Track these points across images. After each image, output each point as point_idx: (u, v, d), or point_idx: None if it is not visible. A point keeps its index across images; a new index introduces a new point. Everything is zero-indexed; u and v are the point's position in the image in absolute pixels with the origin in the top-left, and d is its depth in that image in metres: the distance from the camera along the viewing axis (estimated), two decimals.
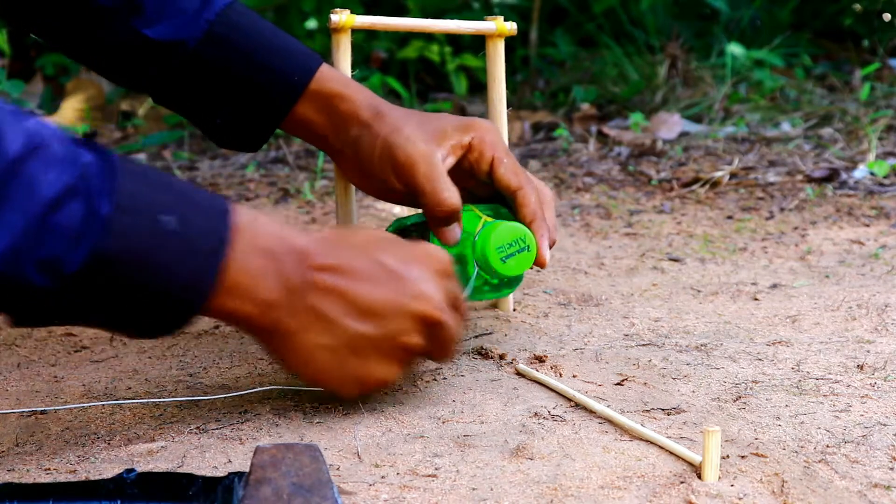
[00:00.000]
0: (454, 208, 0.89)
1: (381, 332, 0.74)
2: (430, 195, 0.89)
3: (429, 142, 0.92)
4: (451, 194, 0.89)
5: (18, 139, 0.61)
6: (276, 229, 0.72)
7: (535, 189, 0.95)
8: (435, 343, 0.77)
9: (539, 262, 0.93)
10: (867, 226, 1.60)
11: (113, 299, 0.66)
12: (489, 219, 0.93)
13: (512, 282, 0.96)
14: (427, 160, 0.90)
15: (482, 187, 0.97)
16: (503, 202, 0.97)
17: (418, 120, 0.93)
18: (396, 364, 0.76)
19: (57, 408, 0.84)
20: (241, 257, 0.69)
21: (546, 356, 0.95)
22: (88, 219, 0.62)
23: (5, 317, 0.66)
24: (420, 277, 0.75)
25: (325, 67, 0.96)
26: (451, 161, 0.93)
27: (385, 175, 0.91)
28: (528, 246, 0.90)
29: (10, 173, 0.60)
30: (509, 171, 0.94)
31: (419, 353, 0.77)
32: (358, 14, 1.03)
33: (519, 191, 0.93)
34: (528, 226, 0.93)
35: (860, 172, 1.93)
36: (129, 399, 0.87)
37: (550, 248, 0.94)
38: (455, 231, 0.91)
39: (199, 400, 0.85)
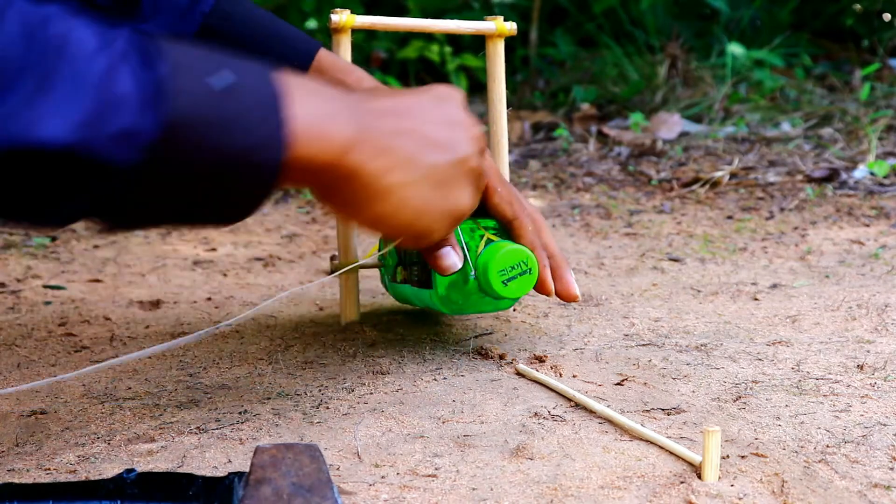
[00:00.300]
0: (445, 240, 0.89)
1: (457, 157, 0.74)
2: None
3: None
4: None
5: (59, 19, 0.58)
6: (325, 85, 0.70)
7: (530, 218, 0.94)
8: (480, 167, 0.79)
9: (544, 290, 0.93)
10: (867, 226, 1.60)
11: (194, 170, 0.62)
12: (493, 237, 0.93)
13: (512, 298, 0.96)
14: None
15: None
16: None
17: None
18: (470, 188, 0.76)
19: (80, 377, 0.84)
20: (305, 105, 0.66)
21: (546, 356, 0.95)
22: (147, 83, 0.59)
23: (95, 222, 0.63)
24: (457, 107, 0.77)
25: (323, 51, 0.96)
26: None
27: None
28: (531, 269, 0.90)
29: (58, 49, 0.57)
30: (504, 200, 0.93)
31: (479, 177, 0.78)
32: (358, 14, 1.03)
33: (514, 221, 0.93)
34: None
35: (860, 172, 1.93)
36: (129, 399, 0.87)
37: (567, 270, 0.94)
38: (449, 258, 0.89)
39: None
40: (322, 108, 0.67)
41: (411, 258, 0.99)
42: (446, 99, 0.77)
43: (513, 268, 0.89)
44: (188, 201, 0.64)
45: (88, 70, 0.57)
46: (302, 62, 0.94)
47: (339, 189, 0.70)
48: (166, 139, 0.59)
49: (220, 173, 0.63)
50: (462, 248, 0.90)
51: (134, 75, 0.58)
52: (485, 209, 0.95)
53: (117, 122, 0.57)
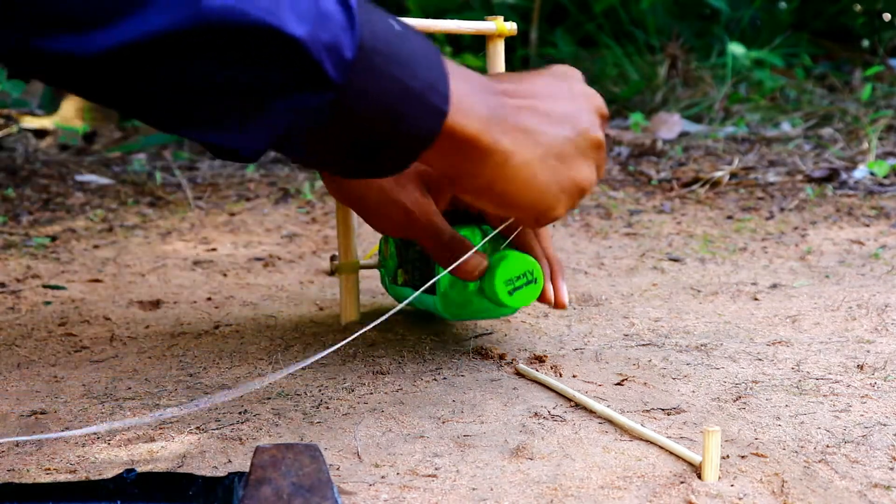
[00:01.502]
0: (464, 247, 0.89)
1: (577, 131, 0.75)
2: (434, 243, 0.90)
3: (425, 194, 0.91)
4: (456, 237, 0.89)
5: None
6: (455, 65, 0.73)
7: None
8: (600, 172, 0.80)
9: (546, 300, 0.92)
10: (867, 226, 1.60)
11: (380, 101, 0.63)
12: (499, 244, 0.92)
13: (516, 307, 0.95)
14: (424, 213, 0.90)
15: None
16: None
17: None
18: (593, 163, 0.77)
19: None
20: (454, 76, 0.68)
21: (546, 356, 0.95)
22: (343, 8, 0.61)
23: (284, 150, 0.65)
24: (579, 83, 0.78)
25: None
26: (443, 204, 0.93)
27: (380, 216, 0.91)
28: (536, 279, 0.90)
29: None
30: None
31: (601, 148, 0.78)
32: None
33: (513, 221, 0.92)
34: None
35: (860, 172, 1.93)
36: (129, 399, 0.87)
37: (563, 278, 0.94)
38: (471, 260, 0.89)
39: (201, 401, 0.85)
40: (465, 86, 0.69)
41: (413, 260, 0.99)
42: (564, 76, 0.78)
43: (519, 277, 0.89)
44: (368, 138, 0.66)
45: None
46: None
47: (471, 166, 0.71)
48: (361, 62, 0.61)
49: (399, 108, 0.64)
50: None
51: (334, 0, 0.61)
52: (484, 214, 0.95)
53: (329, 34, 0.59)
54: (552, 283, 0.93)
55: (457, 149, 0.69)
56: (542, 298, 0.92)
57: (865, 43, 3.49)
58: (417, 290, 0.98)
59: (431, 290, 0.95)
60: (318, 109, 0.61)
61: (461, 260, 0.88)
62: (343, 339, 0.75)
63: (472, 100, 0.69)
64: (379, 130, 0.65)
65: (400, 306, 0.82)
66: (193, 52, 0.57)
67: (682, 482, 0.69)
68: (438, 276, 0.90)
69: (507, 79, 0.75)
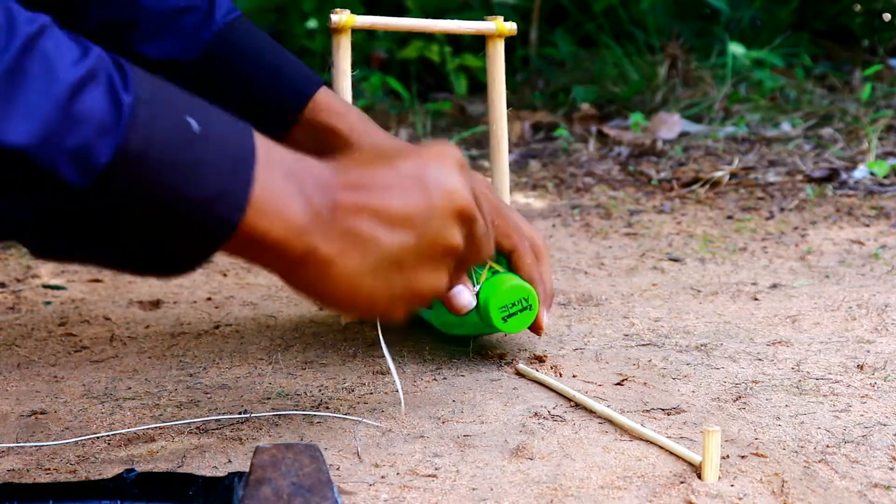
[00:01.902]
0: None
1: (421, 238, 0.68)
2: None
3: None
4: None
5: (28, 19, 0.56)
6: (291, 154, 0.66)
7: (528, 248, 0.92)
8: (471, 242, 0.73)
9: (536, 328, 0.92)
10: (867, 226, 1.60)
11: (143, 206, 0.59)
12: (496, 266, 0.92)
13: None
14: None
15: None
16: None
17: None
18: (442, 269, 0.71)
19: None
20: (266, 176, 0.62)
21: (546, 356, 0.95)
22: (112, 107, 0.56)
23: (26, 244, 0.60)
24: (444, 174, 0.70)
25: (321, 94, 0.94)
26: None
27: None
28: (531, 305, 0.89)
29: (28, 51, 0.55)
30: (500, 234, 0.91)
31: (459, 254, 0.72)
32: (358, 14, 1.03)
33: (513, 253, 0.91)
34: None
35: (860, 172, 1.93)
36: (129, 399, 0.87)
37: (548, 309, 0.93)
38: (462, 296, 0.87)
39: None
40: (281, 187, 0.63)
41: None
42: (430, 162, 0.71)
43: (514, 304, 0.89)
44: (129, 242, 0.61)
45: (60, 78, 0.55)
46: (298, 100, 0.92)
47: (285, 268, 0.66)
48: (122, 168, 0.57)
49: (170, 219, 0.60)
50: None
51: (103, 96, 0.56)
52: None
53: (76, 139, 0.55)
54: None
55: (263, 252, 0.64)
56: (533, 327, 0.92)
57: (865, 43, 3.50)
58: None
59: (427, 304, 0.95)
60: (65, 211, 0.57)
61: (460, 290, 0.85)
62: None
63: (286, 202, 0.63)
64: (150, 237, 0.60)
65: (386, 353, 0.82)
66: None
67: (682, 482, 0.69)
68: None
69: (356, 168, 0.69)
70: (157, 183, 0.58)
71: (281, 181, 0.63)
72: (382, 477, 0.69)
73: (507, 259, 0.92)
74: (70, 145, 0.55)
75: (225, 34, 0.93)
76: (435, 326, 0.96)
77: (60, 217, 0.58)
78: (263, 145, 0.64)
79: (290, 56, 0.97)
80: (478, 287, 0.90)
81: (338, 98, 0.97)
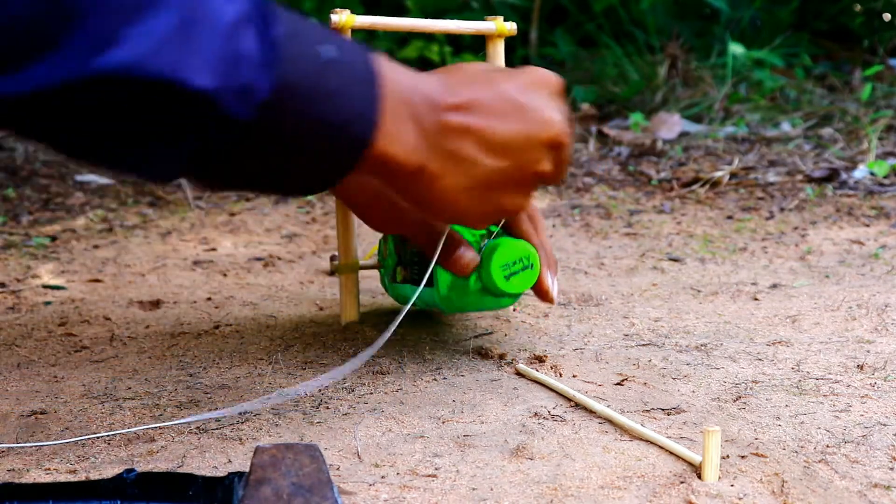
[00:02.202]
0: (454, 242, 0.89)
1: (516, 165, 0.74)
2: (428, 247, 0.90)
3: None
4: (449, 240, 0.89)
5: None
6: (404, 73, 0.71)
7: (528, 215, 0.94)
8: (556, 165, 0.77)
9: (542, 289, 0.92)
10: (867, 226, 1.60)
11: (295, 134, 0.63)
12: (493, 232, 0.92)
13: (513, 294, 0.95)
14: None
15: None
16: None
17: None
18: (528, 191, 0.77)
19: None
20: (387, 99, 0.68)
21: (546, 356, 0.95)
22: (265, 46, 0.60)
23: (193, 178, 0.64)
24: (543, 104, 0.75)
25: None
26: None
27: (374, 212, 0.91)
28: (532, 264, 0.89)
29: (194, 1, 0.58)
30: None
31: (545, 178, 0.77)
32: (358, 14, 1.03)
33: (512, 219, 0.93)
34: None
35: (860, 172, 1.93)
36: (129, 399, 0.87)
37: (555, 274, 0.94)
38: (465, 255, 0.89)
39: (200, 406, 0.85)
40: (399, 110, 0.69)
41: (411, 257, 0.99)
42: (532, 88, 0.76)
43: (515, 262, 0.89)
44: (281, 166, 0.65)
45: (221, 20, 0.58)
46: None
47: (400, 183, 0.72)
48: (277, 100, 0.60)
49: (315, 141, 0.64)
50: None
51: (256, 34, 0.60)
52: None
53: (241, 77, 0.59)
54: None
55: (385, 169, 0.70)
56: (537, 289, 0.92)
57: (865, 43, 3.50)
58: (415, 283, 0.98)
59: (430, 284, 0.95)
60: (226, 146, 0.61)
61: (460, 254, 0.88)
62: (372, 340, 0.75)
63: (404, 123, 0.69)
64: (294, 160, 0.65)
65: (406, 308, 0.82)
66: (98, 100, 0.56)
67: (682, 482, 0.69)
68: (431, 268, 0.90)
69: (461, 87, 0.74)
70: (304, 110, 0.63)
71: (400, 105, 0.69)
72: (382, 477, 0.69)
73: (504, 226, 0.93)
74: (237, 84, 0.59)
75: None
76: (440, 308, 0.96)
77: (227, 151, 0.62)
78: (382, 67, 0.69)
79: None
80: (480, 248, 0.90)
81: None
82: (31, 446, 0.76)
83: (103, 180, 2.11)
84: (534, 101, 0.75)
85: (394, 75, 0.69)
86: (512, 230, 0.92)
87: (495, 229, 0.93)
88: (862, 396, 0.85)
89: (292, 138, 0.64)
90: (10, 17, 0.53)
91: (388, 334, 0.80)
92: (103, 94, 0.55)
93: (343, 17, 1.02)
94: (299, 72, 0.62)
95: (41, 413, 0.83)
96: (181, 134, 0.59)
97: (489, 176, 0.73)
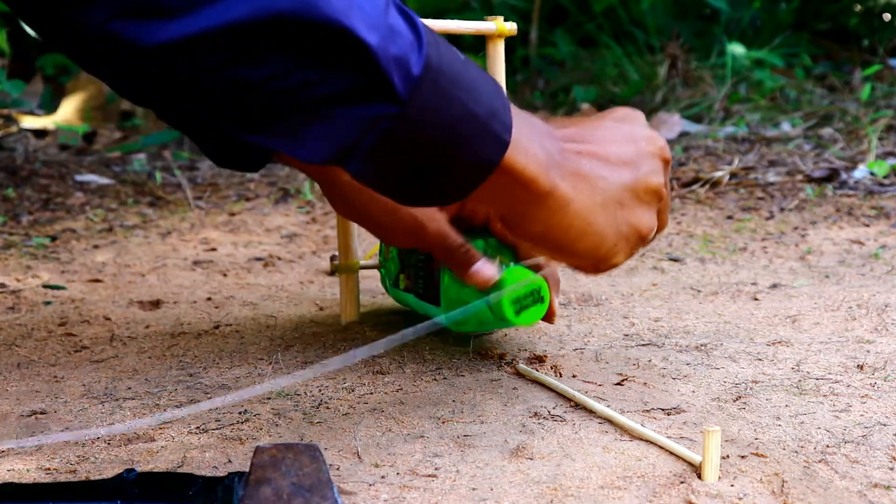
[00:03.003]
0: (475, 254, 0.89)
1: (637, 176, 0.73)
2: (444, 251, 0.89)
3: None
4: (465, 245, 0.89)
5: None
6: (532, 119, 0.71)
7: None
8: (665, 182, 0.78)
9: (548, 319, 0.92)
10: (867, 226, 1.60)
11: (440, 120, 0.62)
12: (504, 259, 0.92)
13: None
14: (433, 221, 0.89)
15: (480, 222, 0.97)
16: None
17: None
18: (653, 208, 0.75)
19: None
20: (514, 113, 0.67)
21: (546, 356, 0.95)
22: (411, 26, 0.61)
23: (340, 163, 0.63)
24: (641, 128, 0.76)
25: None
26: (449, 215, 0.93)
27: (388, 227, 0.90)
28: (543, 297, 0.89)
29: None
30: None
31: (662, 196, 0.76)
32: None
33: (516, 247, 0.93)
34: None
35: (860, 172, 1.93)
36: (129, 399, 0.87)
37: (556, 293, 0.94)
38: (485, 269, 0.88)
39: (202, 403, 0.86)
40: (525, 123, 0.68)
41: (416, 269, 0.98)
42: (625, 119, 0.76)
43: (526, 296, 0.89)
44: (428, 160, 0.64)
45: None
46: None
47: (527, 209, 0.70)
48: (427, 80, 0.61)
49: (459, 135, 0.63)
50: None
51: (402, 17, 0.61)
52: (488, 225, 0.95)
53: (397, 47, 0.59)
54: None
55: (513, 188, 0.68)
56: (545, 314, 0.92)
57: (865, 43, 3.50)
58: (419, 297, 0.98)
59: (435, 301, 0.95)
60: (381, 123, 0.61)
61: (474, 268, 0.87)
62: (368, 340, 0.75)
63: (530, 140, 0.68)
64: (440, 152, 0.64)
65: (426, 325, 0.82)
66: (263, 46, 0.57)
67: (682, 482, 0.69)
68: (442, 283, 0.90)
69: (564, 123, 0.74)
70: (451, 97, 0.63)
71: (522, 122, 0.68)
72: (382, 477, 0.69)
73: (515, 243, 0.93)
74: (395, 53, 0.60)
75: None
76: (443, 324, 0.96)
77: (374, 133, 0.61)
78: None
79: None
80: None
81: None
82: (31, 446, 0.76)
83: (103, 180, 2.11)
84: (634, 127, 0.76)
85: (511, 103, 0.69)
86: (520, 251, 0.92)
87: (507, 259, 0.92)
88: (862, 396, 0.85)
89: (441, 124, 0.63)
90: None
91: (397, 339, 0.79)
92: (276, 37, 0.57)
93: None
94: (444, 60, 0.62)
95: (41, 413, 0.83)
96: (344, 98, 0.59)
97: (617, 191, 0.72)
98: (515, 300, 0.88)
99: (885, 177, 1.91)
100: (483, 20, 1.08)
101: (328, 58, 0.58)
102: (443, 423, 0.79)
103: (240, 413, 0.82)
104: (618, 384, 0.89)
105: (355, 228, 1.07)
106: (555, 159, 0.69)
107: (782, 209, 1.73)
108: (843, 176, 1.92)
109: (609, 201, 0.72)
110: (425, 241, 0.90)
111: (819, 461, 0.73)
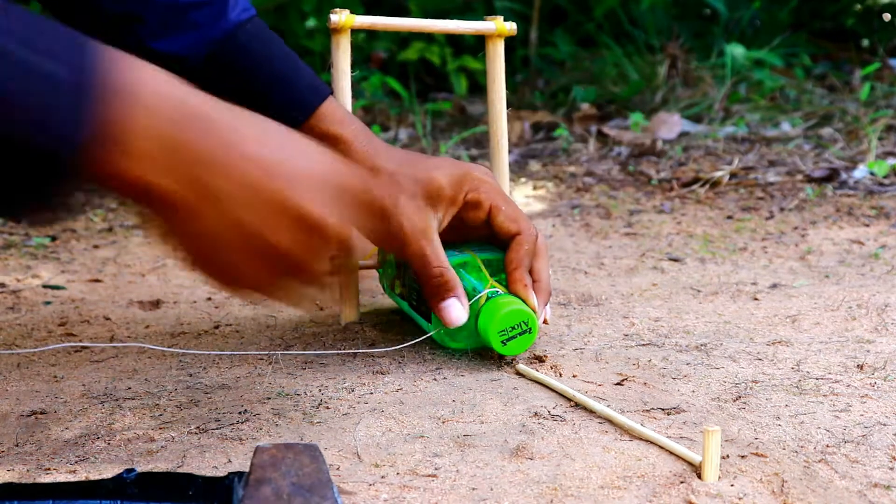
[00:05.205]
0: (449, 289, 0.89)
1: (252, 219, 0.64)
2: (421, 274, 0.89)
3: (422, 208, 0.91)
4: (444, 275, 0.89)
5: None
6: (165, 82, 0.61)
7: (532, 236, 0.94)
8: (302, 248, 0.66)
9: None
10: (867, 226, 1.60)
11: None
12: (496, 284, 0.92)
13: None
14: (418, 236, 0.89)
15: (478, 230, 0.97)
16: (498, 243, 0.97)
17: (413, 176, 0.92)
18: (265, 266, 0.66)
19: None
20: (121, 104, 0.58)
21: (546, 356, 0.95)
22: None
23: None
24: (324, 169, 0.66)
25: (327, 105, 0.94)
26: (446, 221, 0.93)
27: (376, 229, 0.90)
28: (531, 328, 0.89)
29: None
30: (508, 218, 0.94)
31: (285, 260, 0.66)
32: (358, 14, 1.03)
33: (517, 235, 0.94)
34: (511, 273, 0.93)
35: (860, 172, 1.93)
36: (129, 399, 0.87)
37: (544, 305, 0.94)
38: (453, 310, 0.88)
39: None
40: (138, 117, 0.59)
41: (410, 278, 0.98)
42: (333, 162, 0.67)
43: (513, 328, 0.89)
44: None
45: None
46: (300, 114, 0.92)
47: (155, 211, 0.64)
48: None
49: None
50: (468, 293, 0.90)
51: None
52: (490, 228, 0.95)
53: None
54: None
55: (129, 192, 0.61)
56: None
57: (865, 43, 3.50)
58: (412, 307, 0.99)
59: (426, 317, 0.95)
60: None
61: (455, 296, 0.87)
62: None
63: (141, 140, 0.59)
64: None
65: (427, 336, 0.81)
66: None
67: (682, 482, 0.69)
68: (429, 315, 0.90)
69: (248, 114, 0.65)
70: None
71: (140, 110, 0.59)
72: (382, 477, 0.69)
73: (508, 240, 0.93)
74: None
75: (236, 34, 0.92)
76: (433, 338, 0.96)
77: None
78: (128, 67, 0.59)
79: (300, 64, 0.97)
80: (476, 299, 0.90)
81: (342, 108, 0.97)
82: (30, 446, 0.76)
83: None
84: (318, 162, 0.66)
85: (140, 78, 0.60)
86: (511, 248, 0.93)
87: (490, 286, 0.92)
88: (862, 396, 0.85)
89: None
90: None
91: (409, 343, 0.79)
92: None
93: (342, 17, 1.02)
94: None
95: (41, 413, 0.83)
96: None
97: (229, 226, 0.64)
98: (502, 331, 0.88)
99: (885, 177, 1.91)
100: (483, 20, 1.08)
101: None
102: (443, 423, 0.79)
103: (240, 413, 0.82)
104: (618, 384, 0.89)
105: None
106: (178, 157, 0.60)
107: (782, 209, 1.73)
108: (843, 176, 1.92)
109: (220, 234, 0.64)
110: (405, 252, 0.90)
111: (819, 461, 0.73)
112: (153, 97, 0.60)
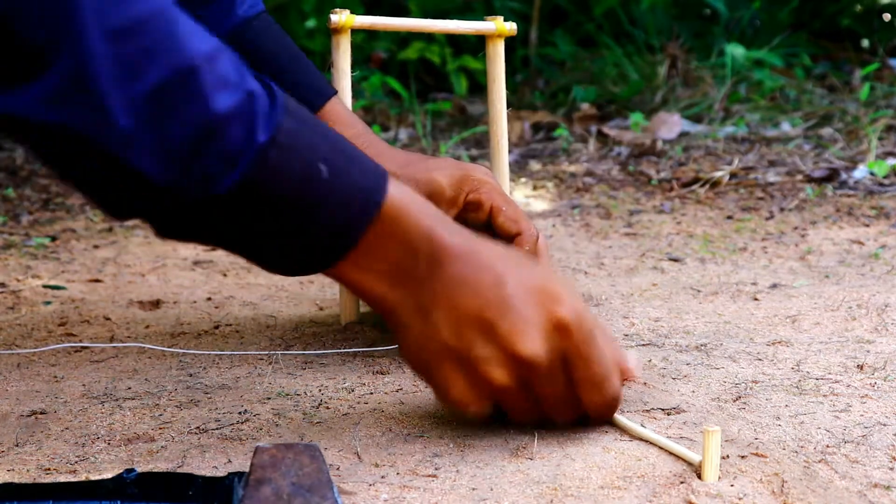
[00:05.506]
0: None
1: (468, 350, 0.69)
2: None
3: None
4: None
5: (202, 45, 0.60)
6: (425, 215, 0.69)
7: (533, 236, 0.95)
8: (526, 395, 0.72)
9: None
10: (867, 226, 1.60)
11: (254, 229, 0.65)
12: None
13: None
14: None
15: (479, 230, 0.97)
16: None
17: (414, 177, 0.93)
18: (477, 391, 0.71)
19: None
20: (380, 232, 0.67)
21: None
22: (245, 146, 0.61)
23: (150, 225, 0.66)
24: (527, 317, 0.69)
25: (331, 105, 0.95)
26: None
27: None
28: None
29: (184, 82, 0.59)
30: (509, 219, 0.95)
31: (505, 395, 0.71)
32: (358, 14, 1.03)
33: (518, 236, 0.95)
34: None
35: (860, 172, 1.93)
36: (129, 399, 0.87)
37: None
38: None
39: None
40: (389, 247, 0.68)
41: None
42: (540, 304, 0.70)
43: None
44: (242, 246, 0.68)
45: (207, 110, 0.60)
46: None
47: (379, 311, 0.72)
48: (239, 197, 0.62)
49: (276, 239, 0.66)
50: None
51: (242, 134, 0.61)
52: (490, 228, 0.95)
53: (204, 168, 0.60)
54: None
55: (359, 293, 0.72)
56: None
57: (865, 43, 3.50)
58: None
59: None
60: (182, 217, 0.63)
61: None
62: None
63: (385, 267, 0.70)
64: (263, 247, 0.68)
65: None
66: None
67: (682, 482, 0.69)
68: None
69: (457, 265, 0.70)
70: (272, 213, 0.64)
71: (391, 242, 0.68)
72: (382, 477, 0.69)
73: (509, 240, 0.94)
74: (198, 171, 0.61)
75: (242, 30, 0.93)
76: None
77: (183, 217, 0.64)
78: (399, 196, 0.68)
79: (307, 62, 0.97)
80: None
81: (346, 109, 0.98)
82: (31, 446, 0.76)
83: None
84: (524, 308, 0.69)
85: (407, 209, 0.68)
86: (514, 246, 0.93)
87: None
88: (862, 396, 0.85)
89: (253, 231, 0.66)
90: None
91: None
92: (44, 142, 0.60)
93: (342, 17, 1.02)
94: (278, 180, 0.63)
95: (41, 413, 0.83)
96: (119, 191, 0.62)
97: (442, 347, 0.70)
98: None
99: (885, 177, 1.91)
100: (483, 20, 1.08)
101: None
102: (443, 423, 0.79)
103: (240, 413, 0.82)
104: None
105: None
106: (409, 286, 0.69)
107: (782, 209, 1.73)
108: (843, 176, 1.92)
109: (435, 352, 0.70)
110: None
111: (819, 461, 0.73)
112: (414, 228, 0.68)
